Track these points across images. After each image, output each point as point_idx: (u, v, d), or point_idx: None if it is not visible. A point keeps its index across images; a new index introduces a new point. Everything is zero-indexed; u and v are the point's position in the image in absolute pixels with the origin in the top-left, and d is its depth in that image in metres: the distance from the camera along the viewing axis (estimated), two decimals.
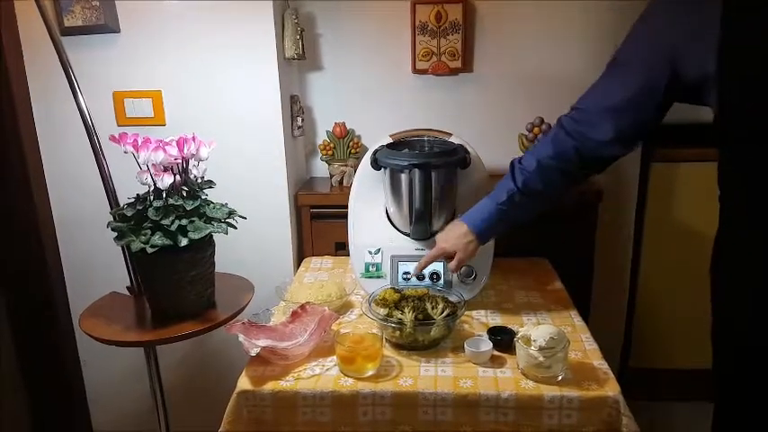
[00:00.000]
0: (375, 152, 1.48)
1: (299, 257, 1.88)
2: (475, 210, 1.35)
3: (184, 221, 1.30)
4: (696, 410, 1.27)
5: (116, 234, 1.30)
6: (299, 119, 1.89)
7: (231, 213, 1.39)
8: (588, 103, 1.20)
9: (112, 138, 1.31)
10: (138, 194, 1.35)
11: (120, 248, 1.46)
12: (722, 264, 1.15)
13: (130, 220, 1.31)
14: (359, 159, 1.58)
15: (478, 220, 1.33)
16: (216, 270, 1.46)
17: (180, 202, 1.31)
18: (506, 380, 1.13)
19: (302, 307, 1.32)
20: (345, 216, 1.56)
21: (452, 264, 1.36)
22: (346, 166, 1.91)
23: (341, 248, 1.82)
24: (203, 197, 1.38)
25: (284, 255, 1.84)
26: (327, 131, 1.92)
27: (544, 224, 1.79)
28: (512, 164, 1.32)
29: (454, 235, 1.35)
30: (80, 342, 1.90)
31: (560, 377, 1.12)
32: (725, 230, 1.14)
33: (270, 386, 1.15)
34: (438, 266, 1.46)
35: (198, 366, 1.96)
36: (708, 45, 0.97)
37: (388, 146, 1.51)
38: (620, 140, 1.17)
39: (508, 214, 1.30)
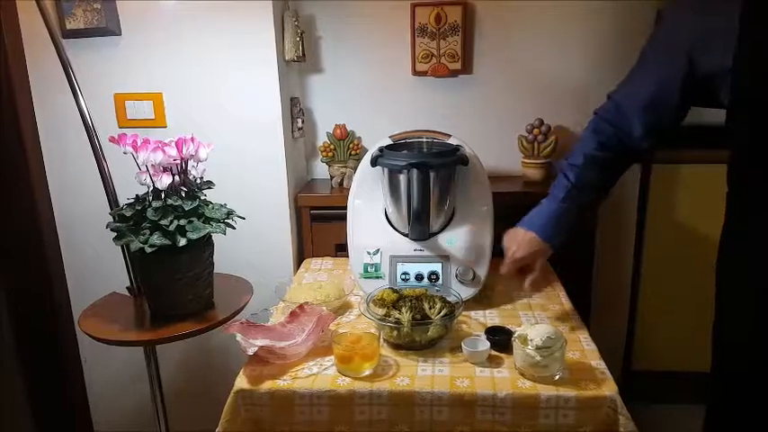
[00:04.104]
0: (374, 153, 1.49)
1: (299, 259, 1.88)
2: (535, 215, 1.31)
3: (183, 222, 1.30)
4: (699, 413, 1.26)
5: (115, 234, 1.31)
6: (300, 120, 1.89)
7: (230, 214, 1.40)
8: (619, 96, 1.23)
9: (112, 138, 1.32)
10: (137, 195, 1.36)
11: (121, 249, 1.47)
12: (727, 261, 1.15)
13: (129, 220, 1.32)
14: (359, 161, 1.59)
15: (542, 223, 1.29)
16: (217, 271, 1.47)
17: (178, 202, 1.32)
18: (503, 379, 1.13)
19: (300, 307, 1.32)
20: (345, 217, 1.56)
21: (530, 277, 1.31)
22: (346, 167, 1.91)
23: (341, 250, 1.82)
24: (202, 198, 1.38)
25: (284, 256, 1.84)
26: (328, 133, 1.93)
27: None
28: (560, 165, 1.32)
29: (525, 243, 1.29)
30: (81, 342, 1.90)
31: (557, 377, 1.12)
32: (731, 228, 1.14)
33: (267, 385, 1.15)
34: (437, 267, 1.46)
35: (197, 366, 1.97)
36: (725, 40, 0.98)
37: (388, 147, 1.51)
38: (650, 135, 1.18)
39: (569, 212, 1.28)
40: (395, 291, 1.35)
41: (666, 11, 1.16)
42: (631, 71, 1.22)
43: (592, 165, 1.26)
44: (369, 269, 1.50)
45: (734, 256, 1.13)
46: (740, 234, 1.11)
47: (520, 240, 1.31)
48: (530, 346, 1.11)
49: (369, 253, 1.50)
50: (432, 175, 1.40)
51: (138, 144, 1.30)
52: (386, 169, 1.46)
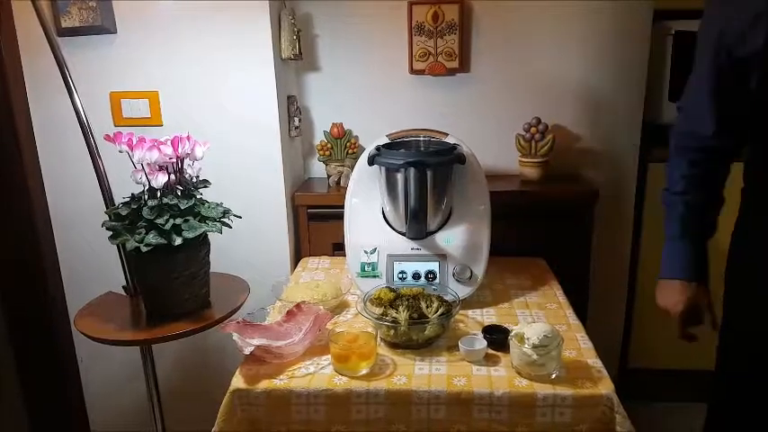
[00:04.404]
0: (371, 152, 1.48)
1: (297, 258, 1.88)
2: (668, 262, 1.25)
3: (179, 220, 1.30)
4: (696, 411, 1.27)
5: (111, 233, 1.31)
6: (297, 119, 1.89)
7: (226, 213, 1.40)
8: (685, 103, 1.21)
9: (107, 137, 1.32)
10: (132, 194, 1.35)
11: (116, 248, 1.46)
12: (737, 265, 1.15)
13: (125, 219, 1.31)
14: (356, 160, 1.58)
15: (678, 266, 1.22)
16: (214, 270, 1.47)
17: (174, 201, 1.31)
18: (500, 378, 1.13)
19: (297, 306, 1.32)
20: (343, 216, 1.56)
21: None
22: (343, 166, 1.91)
23: (338, 249, 1.82)
24: (198, 196, 1.38)
25: (281, 255, 1.84)
26: (325, 132, 1.92)
27: (541, 224, 1.81)
28: (663, 199, 1.26)
29: (676, 294, 1.21)
30: (77, 341, 1.90)
31: (554, 375, 1.12)
32: (746, 223, 1.13)
33: (264, 385, 1.14)
34: (434, 266, 1.46)
35: (193, 366, 1.96)
36: (759, 28, 1.00)
37: (385, 145, 1.51)
38: (724, 131, 1.15)
39: (694, 239, 1.22)
40: (392, 290, 1.35)
41: (705, 7, 1.15)
42: (690, 77, 1.20)
43: (692, 185, 1.20)
44: (366, 268, 1.49)
45: (744, 259, 1.13)
46: (751, 235, 1.11)
47: (670, 294, 1.22)
48: (526, 345, 1.11)
49: (366, 252, 1.50)
50: (429, 173, 1.40)
51: (134, 142, 1.29)
52: (383, 168, 1.46)
